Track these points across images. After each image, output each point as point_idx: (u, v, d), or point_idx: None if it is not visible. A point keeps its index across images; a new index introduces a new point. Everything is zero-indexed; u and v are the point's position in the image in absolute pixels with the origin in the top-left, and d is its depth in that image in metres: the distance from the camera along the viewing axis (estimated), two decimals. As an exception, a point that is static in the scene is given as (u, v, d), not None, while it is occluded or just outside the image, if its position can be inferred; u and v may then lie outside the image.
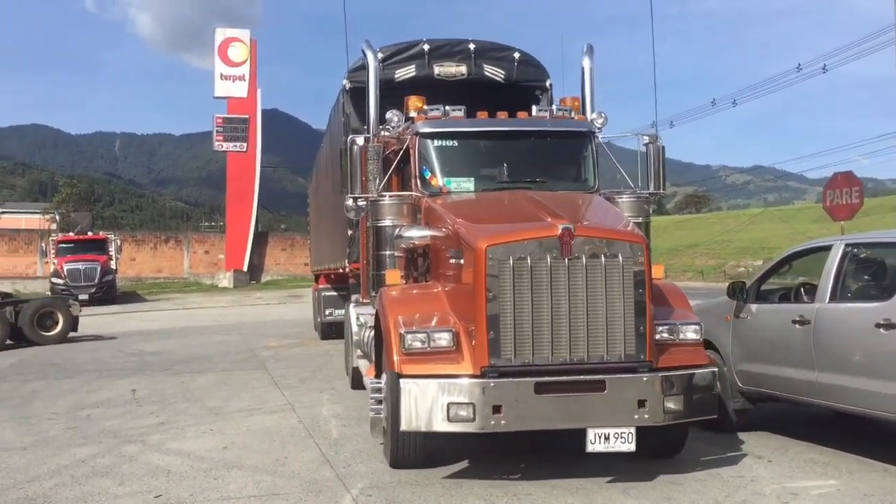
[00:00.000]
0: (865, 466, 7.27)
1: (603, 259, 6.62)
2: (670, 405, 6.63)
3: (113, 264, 39.59)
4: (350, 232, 12.27)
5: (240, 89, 53.24)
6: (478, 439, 7.34)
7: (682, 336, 7.03)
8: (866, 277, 7.56)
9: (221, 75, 53.11)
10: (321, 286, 18.98)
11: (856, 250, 7.53)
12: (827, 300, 7.43)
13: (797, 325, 7.62)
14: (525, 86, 11.72)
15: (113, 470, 7.59)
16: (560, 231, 6.57)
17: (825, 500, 6.36)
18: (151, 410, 10.60)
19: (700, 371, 6.91)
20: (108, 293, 37.91)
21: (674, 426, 6.97)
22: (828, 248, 7.72)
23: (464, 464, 7.42)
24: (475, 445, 7.70)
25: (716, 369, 7.22)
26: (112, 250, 39.89)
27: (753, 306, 8.34)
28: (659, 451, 7.35)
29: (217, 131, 53.20)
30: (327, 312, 18.27)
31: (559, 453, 7.45)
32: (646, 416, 6.54)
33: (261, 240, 56.21)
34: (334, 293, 17.90)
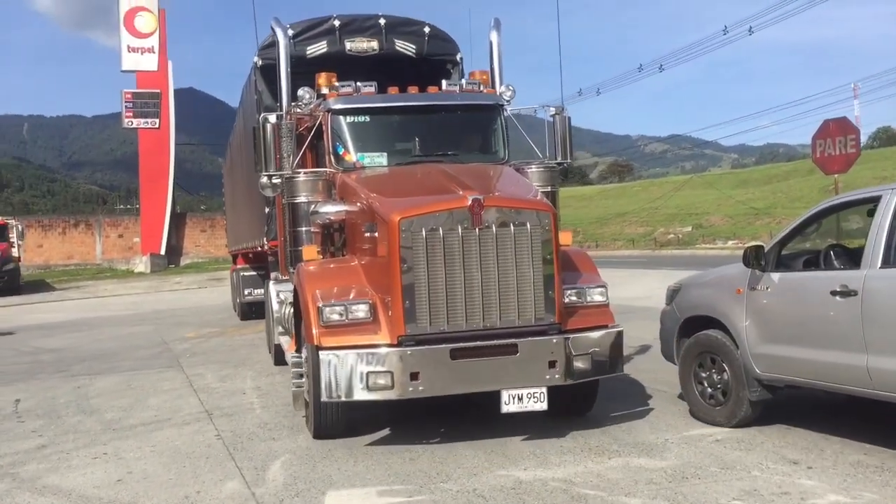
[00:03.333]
0: (928, 469, 5.86)
1: (512, 228, 6.86)
2: (579, 364, 6.94)
3: (15, 251, 36.54)
4: (267, 210, 12.09)
5: (149, 62, 49.96)
6: (401, 406, 7.38)
7: (589, 299, 7.37)
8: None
9: (129, 47, 49.68)
10: (239, 266, 18.85)
11: (914, 201, 6.03)
12: (879, 264, 5.95)
13: (838, 298, 6.13)
14: (436, 60, 11.77)
15: (-37, 523, 5.71)
16: (470, 202, 6.76)
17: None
18: (34, 428, 8.61)
19: (606, 331, 7.22)
20: (10, 283, 34.88)
21: (584, 385, 7.31)
22: (874, 200, 6.22)
23: (385, 431, 7.60)
24: (397, 412, 7.94)
25: (622, 329, 7.39)
26: (13, 236, 36.80)
27: (775, 275, 6.82)
28: (572, 410, 7.70)
29: (126, 107, 49.75)
30: (246, 293, 18.06)
31: (480, 414, 7.60)
32: (556, 375, 6.85)
33: (178, 221, 53.26)
34: (253, 273, 17.62)
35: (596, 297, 7.39)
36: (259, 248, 13.90)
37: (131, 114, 50.16)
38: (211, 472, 6.58)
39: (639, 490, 5.67)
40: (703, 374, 7.46)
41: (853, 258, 6.49)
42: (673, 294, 8.09)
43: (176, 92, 52.66)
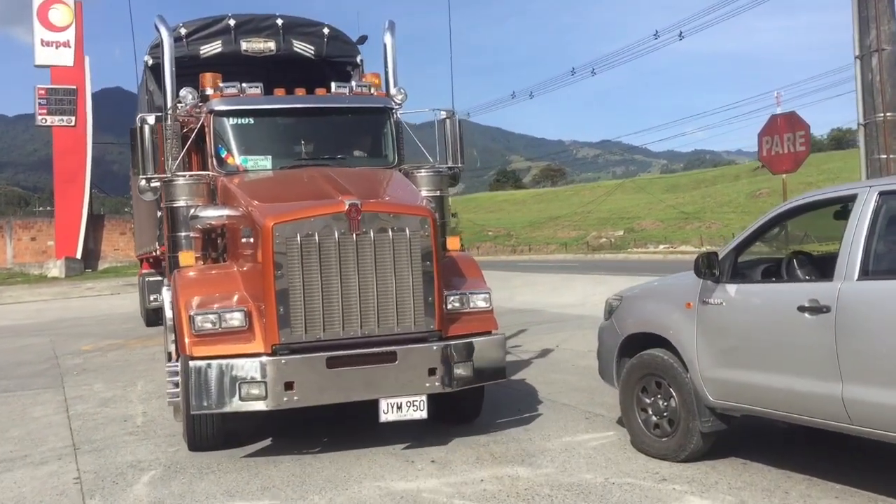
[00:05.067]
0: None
1: (391, 233, 6.75)
2: (460, 372, 6.87)
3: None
4: (160, 214, 11.11)
5: (65, 57, 47.60)
6: (287, 414, 7.16)
7: (472, 305, 7.24)
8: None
9: (42, 41, 47.27)
10: (145, 271, 18.09)
11: (896, 201, 5.12)
12: (856, 276, 5.02)
13: (807, 314, 5.19)
14: (336, 62, 11.64)
15: None
16: (347, 207, 6.64)
17: None
18: None
19: (488, 338, 7.16)
20: None
21: (469, 392, 7.26)
22: (849, 200, 5.30)
23: (267, 441, 7.44)
24: (280, 421, 7.79)
25: (504, 335, 7.43)
26: None
27: (731, 287, 5.86)
28: (457, 418, 7.61)
29: (40, 104, 47.19)
30: (152, 298, 17.09)
31: (366, 422, 7.21)
32: (437, 383, 6.77)
33: (96, 223, 50.94)
34: (158, 278, 16.54)
35: (479, 303, 7.28)
36: (154, 254, 13.43)
37: (45, 111, 47.78)
38: (53, 531, 5.36)
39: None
40: (647, 400, 6.49)
41: (821, 268, 5.59)
42: (613, 307, 7.10)
43: (103, 91, 50.70)
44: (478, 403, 7.62)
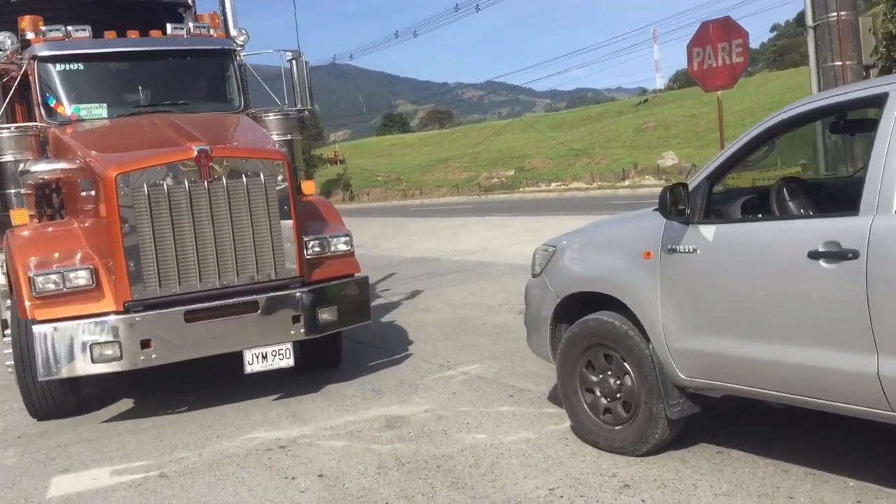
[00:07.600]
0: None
1: (244, 179, 6.58)
2: (325, 316, 6.82)
3: None
4: None
5: None
6: (148, 374, 6.83)
7: (333, 248, 7.17)
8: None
9: None
10: None
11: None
12: (894, 207, 3.62)
13: (823, 263, 3.79)
14: (166, 3, 10.75)
15: None
16: (196, 153, 6.43)
17: None
18: None
19: (350, 280, 7.17)
20: None
21: (331, 338, 7.23)
22: (873, 102, 3.86)
23: (129, 403, 7.24)
24: (145, 381, 7.51)
25: (366, 276, 7.39)
26: None
27: (707, 229, 4.39)
28: (320, 363, 7.60)
29: None
30: None
31: (234, 376, 6.95)
32: (301, 330, 6.70)
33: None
34: None
35: (340, 246, 7.21)
36: None
37: None
38: None
39: None
40: (594, 378, 5.05)
41: (827, 198, 4.22)
42: (544, 259, 5.56)
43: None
44: (337, 350, 7.58)
